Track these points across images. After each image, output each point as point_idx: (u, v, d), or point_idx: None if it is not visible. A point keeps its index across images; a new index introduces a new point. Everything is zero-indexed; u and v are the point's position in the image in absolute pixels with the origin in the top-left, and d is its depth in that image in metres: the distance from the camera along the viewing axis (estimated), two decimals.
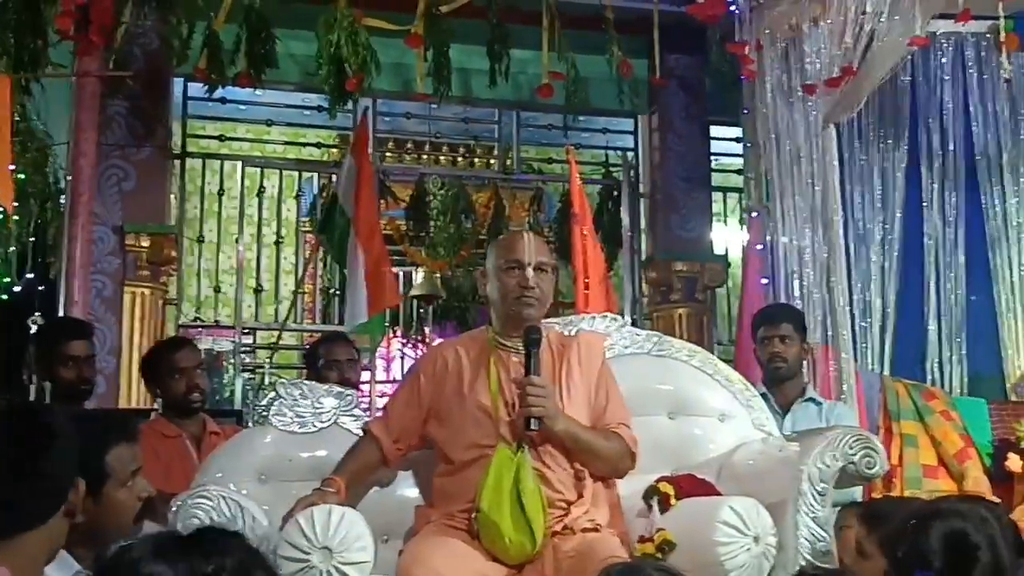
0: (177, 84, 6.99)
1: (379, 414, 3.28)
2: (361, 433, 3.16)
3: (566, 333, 3.27)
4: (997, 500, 4.58)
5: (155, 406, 4.32)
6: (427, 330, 8.85)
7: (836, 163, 5.11)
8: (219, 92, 6.42)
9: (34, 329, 5.43)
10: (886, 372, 5.38)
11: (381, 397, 8.41)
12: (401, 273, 7.75)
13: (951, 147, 5.69)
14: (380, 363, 8.24)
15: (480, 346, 3.11)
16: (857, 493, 3.96)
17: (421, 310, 8.80)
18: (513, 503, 2.80)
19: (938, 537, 2.04)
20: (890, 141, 5.69)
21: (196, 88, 6.70)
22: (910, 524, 2.11)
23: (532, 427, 2.87)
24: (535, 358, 2.95)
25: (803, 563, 2.86)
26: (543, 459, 2.91)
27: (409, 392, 3.14)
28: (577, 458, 2.96)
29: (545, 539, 2.82)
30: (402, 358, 9.17)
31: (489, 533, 2.81)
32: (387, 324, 7.12)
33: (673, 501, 3.07)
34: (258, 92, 6.78)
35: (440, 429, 3.05)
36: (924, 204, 5.66)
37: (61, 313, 5.27)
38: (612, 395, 3.09)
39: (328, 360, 4.63)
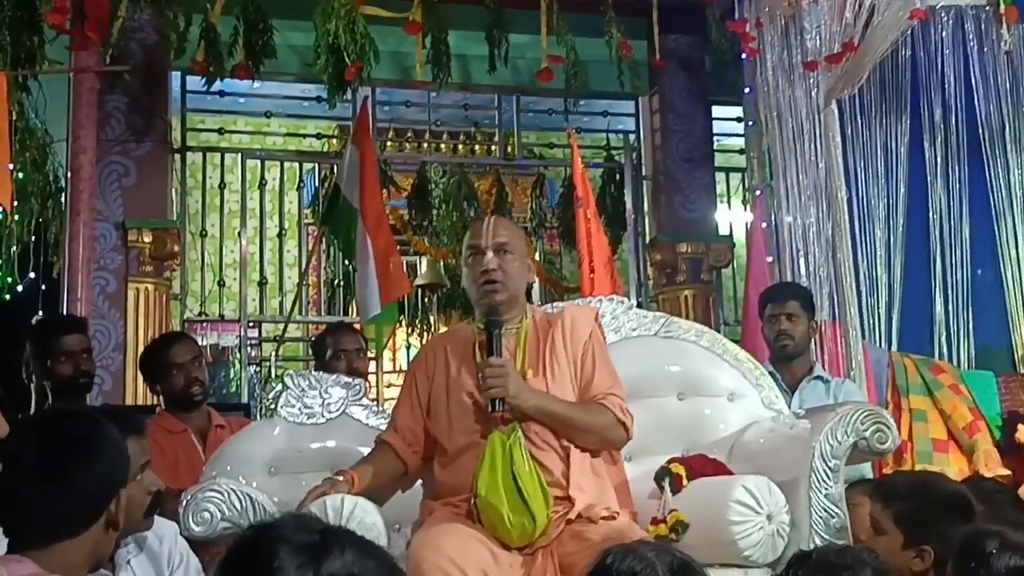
0: (175, 78, 6.96)
1: (388, 424, 3.26)
2: (374, 443, 3.14)
3: (552, 311, 3.25)
4: (1007, 472, 4.58)
5: (159, 402, 4.30)
6: (432, 319, 8.83)
7: (839, 139, 5.07)
8: (217, 85, 6.39)
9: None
10: (894, 348, 5.36)
11: (388, 388, 8.42)
12: (405, 262, 7.74)
13: (953, 120, 5.65)
14: (387, 354, 8.23)
15: (464, 336, 3.13)
16: (866, 469, 3.95)
17: (426, 299, 8.78)
18: (509, 485, 2.79)
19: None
20: (892, 116, 5.65)
21: (194, 82, 6.68)
22: (974, 546, 2.08)
23: (497, 409, 2.86)
24: (496, 340, 2.94)
25: (818, 540, 2.85)
26: (532, 440, 2.89)
27: (408, 394, 3.15)
28: (562, 434, 2.93)
29: (549, 521, 2.80)
30: (408, 348, 9.16)
31: (489, 517, 2.80)
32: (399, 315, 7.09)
33: (685, 482, 3.06)
34: (256, 84, 6.75)
35: (434, 422, 3.05)
36: (928, 178, 5.63)
37: (64, 311, 5.25)
38: (600, 366, 3.04)
39: (336, 350, 4.62)
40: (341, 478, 2.89)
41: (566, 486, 2.88)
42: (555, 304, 3.58)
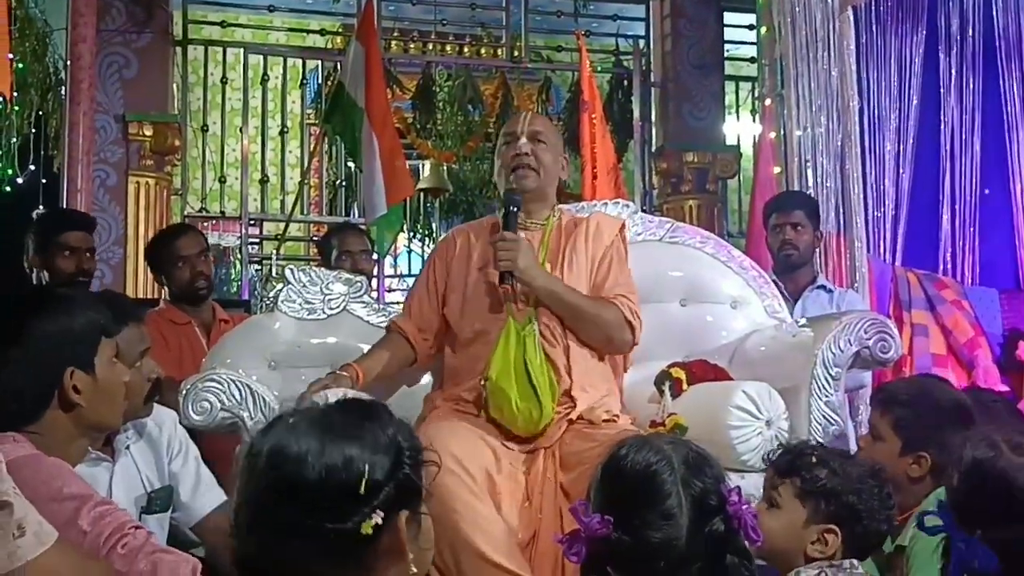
0: None
1: (402, 310, 3.26)
2: (384, 330, 3.15)
3: (581, 214, 3.23)
4: (1005, 389, 4.59)
5: (165, 295, 4.28)
6: (434, 225, 8.79)
7: (853, 48, 4.98)
8: None
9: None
10: (898, 262, 5.33)
11: (390, 292, 8.41)
12: (408, 165, 7.66)
13: (970, 31, 5.53)
14: (388, 259, 8.20)
15: (490, 227, 3.12)
16: (867, 379, 3.95)
17: (428, 204, 8.73)
18: (520, 372, 2.81)
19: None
20: (908, 25, 5.52)
21: None
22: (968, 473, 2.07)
23: (506, 281, 2.88)
24: (512, 216, 2.95)
25: None
26: (544, 335, 2.89)
27: (426, 280, 3.16)
28: (569, 325, 2.93)
29: (555, 414, 2.82)
30: (409, 253, 9.14)
31: (497, 401, 2.81)
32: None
33: (685, 386, 3.06)
34: None
35: (449, 308, 3.06)
36: (942, 91, 5.52)
37: (64, 204, 5.20)
38: (615, 270, 3.04)
39: (342, 251, 4.58)
40: (345, 374, 2.88)
41: (570, 384, 2.89)
42: (582, 205, 3.54)
